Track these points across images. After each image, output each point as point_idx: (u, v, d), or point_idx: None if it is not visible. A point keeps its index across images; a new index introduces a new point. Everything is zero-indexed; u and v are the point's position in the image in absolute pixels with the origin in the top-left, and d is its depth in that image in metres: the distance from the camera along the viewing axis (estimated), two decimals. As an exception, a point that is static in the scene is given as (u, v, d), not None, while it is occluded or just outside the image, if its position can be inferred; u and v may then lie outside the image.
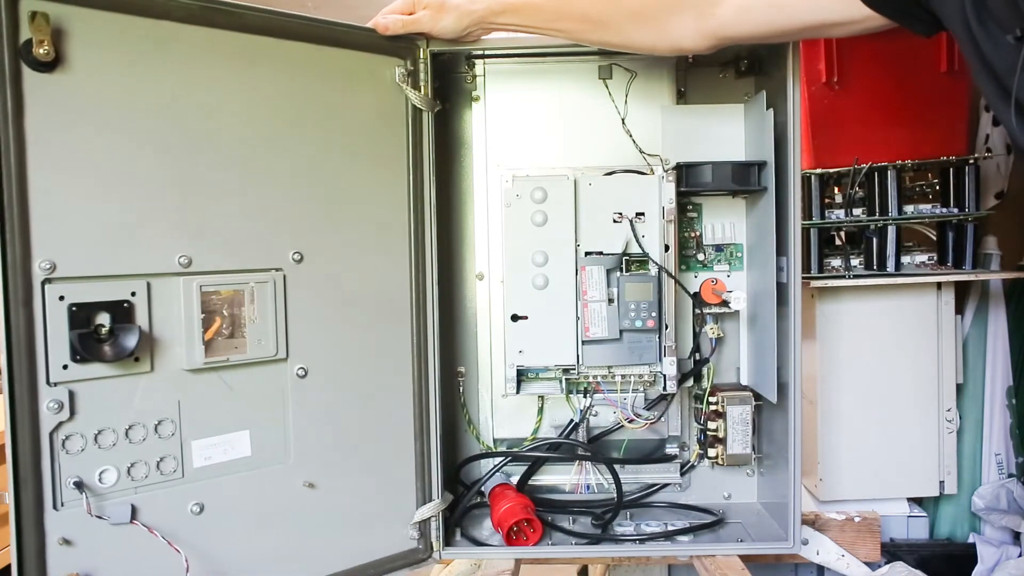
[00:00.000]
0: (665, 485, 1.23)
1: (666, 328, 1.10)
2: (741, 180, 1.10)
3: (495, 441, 1.23)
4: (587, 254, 1.10)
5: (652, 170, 1.15)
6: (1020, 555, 1.30)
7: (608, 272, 1.08)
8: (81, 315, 0.79)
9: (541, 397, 1.21)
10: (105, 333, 0.81)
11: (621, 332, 1.09)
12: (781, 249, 1.05)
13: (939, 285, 1.32)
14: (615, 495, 1.14)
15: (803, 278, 1.07)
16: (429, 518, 1.06)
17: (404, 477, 1.05)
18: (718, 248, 1.20)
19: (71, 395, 0.79)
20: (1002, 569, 1.27)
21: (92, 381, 0.81)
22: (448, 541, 1.09)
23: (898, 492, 1.35)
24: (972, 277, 1.30)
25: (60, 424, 0.79)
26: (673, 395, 1.18)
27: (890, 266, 1.32)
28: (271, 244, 0.93)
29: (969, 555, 1.31)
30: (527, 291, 1.10)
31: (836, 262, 1.36)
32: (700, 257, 1.20)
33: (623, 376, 1.12)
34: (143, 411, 0.85)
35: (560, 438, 1.20)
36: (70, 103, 0.78)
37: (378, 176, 1.01)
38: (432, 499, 1.06)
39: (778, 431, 1.11)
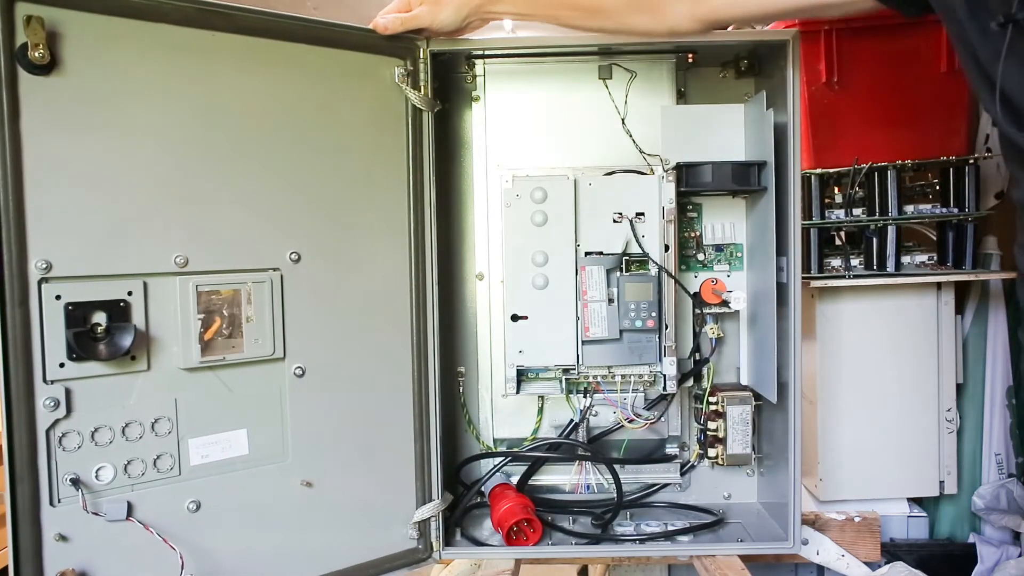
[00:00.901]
0: (665, 485, 1.23)
1: (666, 328, 1.09)
2: (741, 180, 1.10)
3: (495, 441, 1.23)
4: (587, 254, 1.10)
5: (652, 170, 1.15)
6: (1020, 555, 1.29)
7: (608, 272, 1.08)
8: (77, 314, 0.80)
9: (541, 397, 1.21)
10: (101, 332, 0.81)
11: (621, 332, 1.09)
12: (781, 249, 1.05)
13: (939, 285, 1.32)
14: (615, 495, 1.14)
15: (803, 278, 1.07)
16: (429, 518, 1.06)
17: (404, 477, 1.05)
18: (718, 248, 1.20)
19: (67, 393, 0.80)
20: (1002, 569, 1.26)
21: (88, 379, 0.81)
22: (448, 541, 1.09)
23: (898, 492, 1.34)
24: (972, 277, 1.29)
25: (57, 421, 0.79)
26: (673, 395, 1.18)
27: (890, 266, 1.31)
28: (268, 244, 0.93)
29: (969, 555, 1.31)
30: (527, 291, 1.09)
31: (836, 262, 1.35)
32: (700, 257, 1.20)
33: (623, 376, 1.12)
34: (140, 409, 0.85)
35: (560, 438, 1.20)
36: (66, 105, 0.79)
37: (378, 176, 1.01)
38: (432, 499, 1.06)
39: (778, 431, 1.11)
